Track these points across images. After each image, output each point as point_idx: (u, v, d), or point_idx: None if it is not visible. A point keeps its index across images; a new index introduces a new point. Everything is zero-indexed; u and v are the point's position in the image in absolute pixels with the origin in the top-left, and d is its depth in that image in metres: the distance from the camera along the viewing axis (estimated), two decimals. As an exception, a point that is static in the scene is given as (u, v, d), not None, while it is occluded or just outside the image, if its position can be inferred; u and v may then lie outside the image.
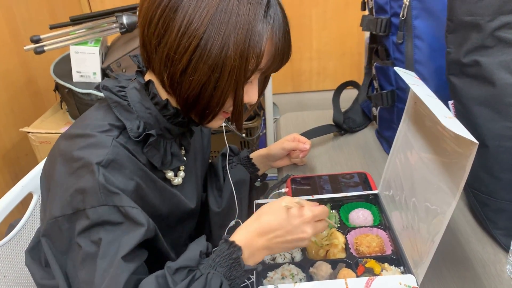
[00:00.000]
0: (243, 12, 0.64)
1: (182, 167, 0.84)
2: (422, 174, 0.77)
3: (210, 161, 1.06)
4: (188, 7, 0.64)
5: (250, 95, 0.72)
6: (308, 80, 2.60)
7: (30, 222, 0.95)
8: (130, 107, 0.73)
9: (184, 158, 0.84)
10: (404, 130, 0.86)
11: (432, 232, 0.71)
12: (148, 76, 0.75)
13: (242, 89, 0.69)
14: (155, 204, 0.75)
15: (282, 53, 0.70)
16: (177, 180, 0.82)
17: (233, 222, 0.96)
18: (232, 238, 0.68)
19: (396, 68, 0.82)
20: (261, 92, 0.81)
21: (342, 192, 0.98)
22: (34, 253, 0.78)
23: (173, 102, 0.74)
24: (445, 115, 0.65)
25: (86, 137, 0.69)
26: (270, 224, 0.69)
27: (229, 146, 1.05)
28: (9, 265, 0.88)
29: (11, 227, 0.94)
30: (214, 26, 0.64)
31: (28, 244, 0.82)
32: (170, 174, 0.80)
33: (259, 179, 1.10)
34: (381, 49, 1.06)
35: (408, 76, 0.79)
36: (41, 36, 1.57)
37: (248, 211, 1.04)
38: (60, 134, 0.75)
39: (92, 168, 0.65)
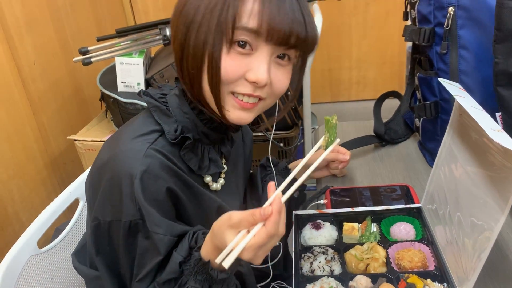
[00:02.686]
0: None
1: (222, 175, 0.86)
2: (468, 188, 0.75)
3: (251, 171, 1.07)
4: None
5: (255, 71, 0.68)
6: (348, 90, 2.57)
7: (76, 227, 0.99)
8: (169, 111, 0.75)
9: (224, 166, 0.85)
10: (449, 142, 0.84)
11: (479, 249, 0.68)
12: None
13: (218, 47, 0.66)
14: (190, 209, 0.76)
15: (270, 15, 0.66)
16: (215, 186, 0.83)
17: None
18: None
19: (440, 79, 0.80)
20: (298, 85, 0.79)
21: (383, 205, 0.97)
22: (80, 256, 0.82)
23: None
24: (492, 128, 0.63)
25: (122, 146, 0.72)
26: None
27: (267, 157, 1.06)
28: (56, 267, 0.92)
29: (58, 230, 0.99)
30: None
31: (74, 247, 0.86)
32: (208, 178, 0.81)
33: (297, 190, 1.09)
34: (424, 59, 1.04)
35: (452, 88, 0.77)
36: (89, 48, 1.64)
37: (286, 222, 1.04)
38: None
39: (125, 180, 0.68)
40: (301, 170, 1.07)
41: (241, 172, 0.95)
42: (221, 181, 0.85)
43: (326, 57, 2.46)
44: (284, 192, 0.67)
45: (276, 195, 0.62)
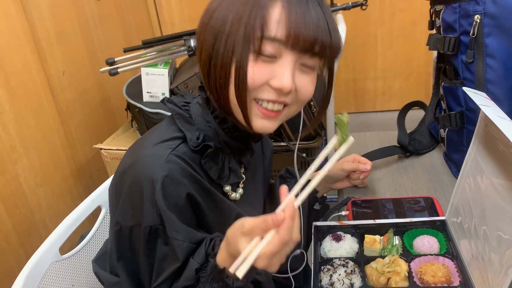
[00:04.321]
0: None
1: (241, 185, 0.85)
2: (494, 201, 0.72)
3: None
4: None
5: (280, 78, 0.68)
6: (373, 100, 2.54)
7: (98, 234, 1.00)
8: (192, 119, 0.76)
9: (243, 175, 0.85)
10: (474, 153, 0.81)
11: (506, 264, 0.66)
12: None
13: (245, 56, 0.67)
14: (210, 216, 0.76)
15: (296, 24, 0.66)
16: (234, 195, 0.83)
17: (298, 251, 0.94)
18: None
19: (465, 89, 0.78)
20: (326, 98, 0.79)
21: (407, 217, 0.94)
22: (100, 262, 0.83)
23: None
24: (519, 139, 0.60)
25: (144, 151, 0.72)
26: None
27: (287, 168, 1.05)
28: (77, 274, 0.93)
29: (82, 237, 1.00)
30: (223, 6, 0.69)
31: (95, 254, 0.86)
32: (227, 188, 0.81)
33: (318, 202, 1.08)
34: (449, 68, 1.02)
35: (478, 97, 0.75)
36: (116, 59, 1.67)
37: (307, 235, 1.02)
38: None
39: (147, 185, 0.68)
40: (322, 181, 1.06)
41: (260, 183, 0.94)
42: (240, 190, 0.84)
43: (351, 67, 2.44)
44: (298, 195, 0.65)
45: (289, 200, 0.61)
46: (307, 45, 0.67)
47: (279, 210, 0.60)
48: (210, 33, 0.70)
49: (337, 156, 0.69)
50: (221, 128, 0.76)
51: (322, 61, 0.73)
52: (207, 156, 0.75)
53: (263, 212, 0.99)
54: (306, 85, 0.72)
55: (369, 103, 2.56)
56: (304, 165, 1.71)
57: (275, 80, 0.68)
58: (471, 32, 0.92)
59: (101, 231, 1.01)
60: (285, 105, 0.73)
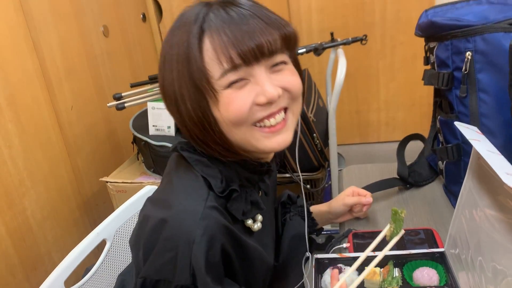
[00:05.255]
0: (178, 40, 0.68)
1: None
2: (488, 233, 0.73)
3: None
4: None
5: (261, 92, 0.66)
6: (376, 131, 2.57)
7: (103, 267, 1.01)
8: (210, 162, 0.73)
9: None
10: (469, 186, 0.83)
11: (502, 296, 0.66)
12: None
13: (206, 103, 0.67)
14: (238, 264, 0.74)
15: (234, 43, 0.65)
16: (257, 226, 0.79)
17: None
18: None
19: (456, 123, 0.80)
20: (303, 87, 0.74)
21: (406, 249, 0.95)
22: None
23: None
24: (507, 172, 0.62)
25: (177, 205, 0.69)
26: None
27: (288, 194, 1.05)
28: (81, 307, 0.94)
29: (87, 271, 1.01)
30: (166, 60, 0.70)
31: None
32: (249, 222, 0.78)
33: (315, 233, 1.09)
34: (445, 102, 1.05)
35: (469, 131, 0.77)
36: (123, 94, 1.73)
37: (305, 266, 1.03)
38: (148, 197, 0.76)
39: (183, 245, 0.66)
40: (324, 216, 1.08)
41: (272, 204, 0.93)
42: (260, 218, 0.81)
43: (354, 99, 2.48)
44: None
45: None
46: (262, 50, 0.65)
47: None
48: (169, 102, 0.71)
49: (388, 247, 0.76)
50: (240, 166, 0.74)
51: (285, 53, 0.71)
52: (233, 199, 0.72)
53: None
54: (289, 79, 0.70)
55: (373, 134, 2.58)
56: (309, 197, 1.72)
57: (259, 96, 0.67)
58: (463, 68, 0.95)
59: (105, 265, 1.02)
60: (286, 110, 0.71)
